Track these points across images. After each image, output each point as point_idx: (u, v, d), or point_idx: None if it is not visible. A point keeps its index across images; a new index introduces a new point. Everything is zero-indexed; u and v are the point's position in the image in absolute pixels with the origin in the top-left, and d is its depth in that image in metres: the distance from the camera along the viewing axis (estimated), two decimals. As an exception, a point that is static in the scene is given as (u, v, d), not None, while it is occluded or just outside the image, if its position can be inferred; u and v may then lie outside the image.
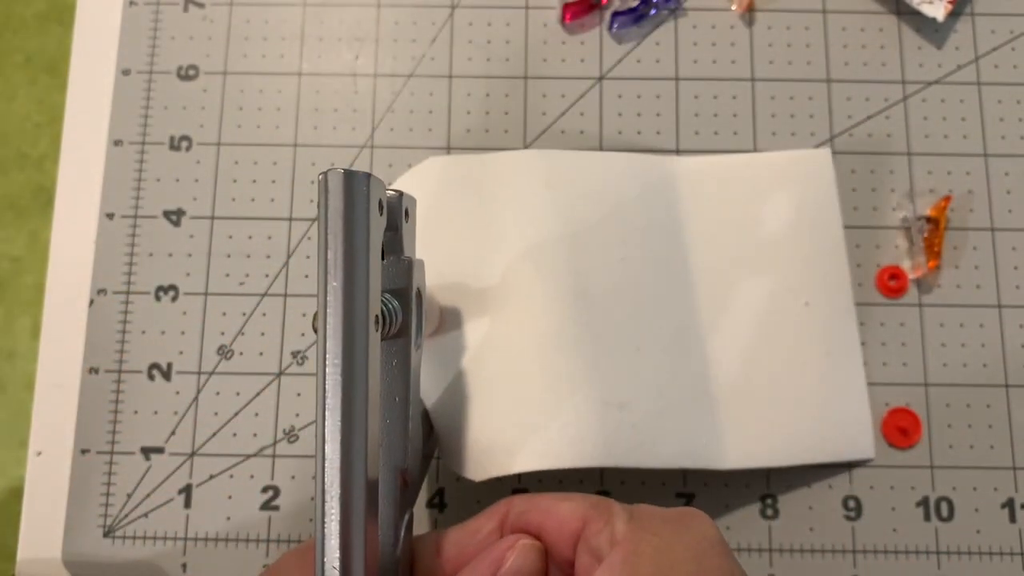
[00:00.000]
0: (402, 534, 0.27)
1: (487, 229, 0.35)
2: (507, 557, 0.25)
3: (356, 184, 0.24)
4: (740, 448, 0.34)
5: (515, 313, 0.32)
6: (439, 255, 0.34)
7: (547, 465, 0.30)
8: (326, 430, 0.22)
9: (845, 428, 0.35)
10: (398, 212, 0.27)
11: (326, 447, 0.22)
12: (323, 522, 0.22)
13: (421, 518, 0.36)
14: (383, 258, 0.27)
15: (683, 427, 0.33)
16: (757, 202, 0.36)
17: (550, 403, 0.31)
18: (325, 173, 0.24)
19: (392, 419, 0.27)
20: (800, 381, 0.35)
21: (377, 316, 0.24)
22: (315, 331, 0.24)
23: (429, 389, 0.33)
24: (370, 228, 0.24)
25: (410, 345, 0.27)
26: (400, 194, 0.27)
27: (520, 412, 0.31)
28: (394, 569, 0.26)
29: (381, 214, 0.25)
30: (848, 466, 0.36)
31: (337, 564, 0.22)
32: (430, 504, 0.36)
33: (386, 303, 0.26)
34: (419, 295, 0.28)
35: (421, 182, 0.35)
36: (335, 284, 0.23)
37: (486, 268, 0.34)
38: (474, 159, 0.36)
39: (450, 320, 0.34)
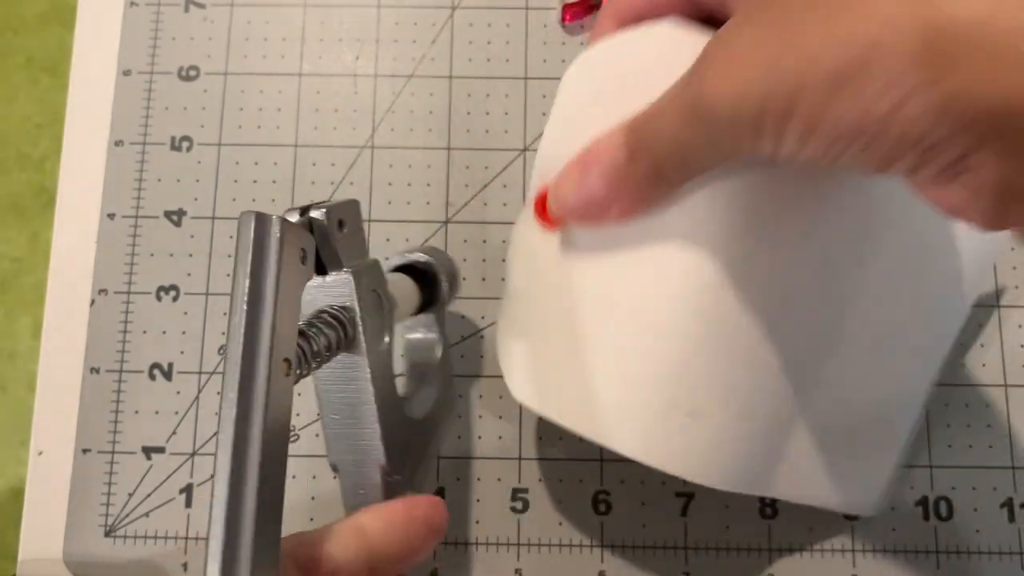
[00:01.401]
0: None
1: None
2: None
3: (266, 229, 0.24)
4: (787, 482, 0.32)
5: (639, 273, 0.29)
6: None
7: (589, 434, 0.29)
8: (216, 468, 0.22)
9: (870, 492, 0.34)
10: (329, 228, 0.27)
11: (214, 487, 0.22)
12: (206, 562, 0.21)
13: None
14: (324, 274, 0.27)
15: (747, 451, 0.30)
16: None
17: (621, 375, 0.29)
18: (243, 214, 0.24)
19: (362, 422, 0.28)
20: (855, 435, 0.33)
21: (288, 359, 0.24)
22: None
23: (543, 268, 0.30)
24: (280, 272, 0.24)
25: (364, 356, 0.28)
26: (327, 209, 0.27)
27: (591, 367, 0.29)
28: None
29: (305, 263, 0.25)
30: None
31: None
32: (430, 504, 0.36)
33: (321, 329, 0.26)
34: (376, 297, 0.29)
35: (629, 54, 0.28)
36: (236, 320, 0.23)
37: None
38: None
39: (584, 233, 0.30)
